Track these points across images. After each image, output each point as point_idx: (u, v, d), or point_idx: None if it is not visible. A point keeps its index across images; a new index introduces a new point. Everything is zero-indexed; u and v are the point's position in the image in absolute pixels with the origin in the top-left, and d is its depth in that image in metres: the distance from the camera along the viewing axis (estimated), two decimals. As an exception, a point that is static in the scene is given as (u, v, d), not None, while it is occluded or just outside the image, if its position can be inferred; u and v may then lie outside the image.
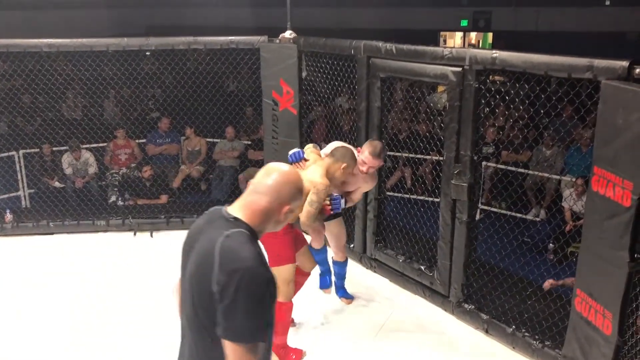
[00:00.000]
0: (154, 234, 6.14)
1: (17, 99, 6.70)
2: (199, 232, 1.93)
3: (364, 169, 3.94)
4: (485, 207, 7.00)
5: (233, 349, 1.74)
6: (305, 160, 3.91)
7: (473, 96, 4.02)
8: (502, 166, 7.11)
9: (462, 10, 16.00)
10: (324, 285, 4.49)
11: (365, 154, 3.92)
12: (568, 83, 3.56)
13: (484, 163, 6.81)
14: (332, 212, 4.03)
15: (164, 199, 6.99)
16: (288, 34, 5.75)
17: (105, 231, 6.20)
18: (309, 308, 4.50)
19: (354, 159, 3.86)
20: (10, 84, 6.59)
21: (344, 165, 3.78)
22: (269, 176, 1.93)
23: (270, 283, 1.78)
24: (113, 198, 7.06)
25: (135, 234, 6.14)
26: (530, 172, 7.13)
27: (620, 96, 2.97)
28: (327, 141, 7.25)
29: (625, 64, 3.08)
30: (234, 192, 7.12)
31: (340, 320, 4.47)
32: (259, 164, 6.95)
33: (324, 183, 3.68)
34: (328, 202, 3.90)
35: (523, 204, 6.60)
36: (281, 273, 3.69)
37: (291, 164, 3.83)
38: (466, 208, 4.22)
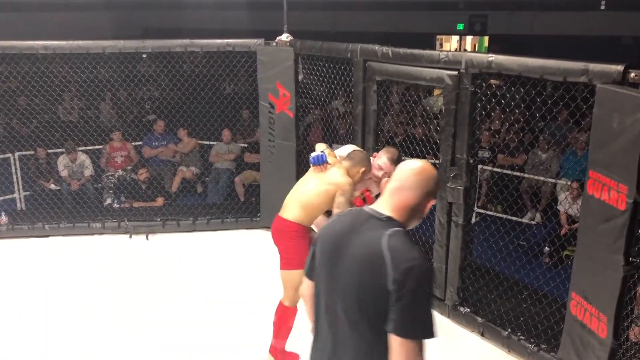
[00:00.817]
0: (150, 236, 6.13)
1: (12, 101, 6.69)
2: (349, 233, 1.95)
3: (380, 174, 3.83)
4: (481, 211, 7.01)
5: (402, 345, 1.79)
6: (327, 163, 3.81)
7: (469, 100, 4.03)
8: (498, 169, 7.12)
9: (458, 14, 16.03)
10: None
11: (383, 160, 3.82)
12: (563, 87, 3.58)
13: (479, 166, 6.83)
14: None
15: (159, 201, 6.98)
16: (285, 37, 5.76)
17: (101, 234, 6.18)
18: (300, 312, 4.49)
19: (370, 164, 3.84)
20: (5, 86, 6.58)
21: (363, 169, 3.76)
22: (413, 173, 1.98)
23: (432, 280, 1.88)
24: (109, 200, 7.06)
25: (131, 237, 6.13)
26: (526, 175, 7.15)
27: (615, 100, 2.98)
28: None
29: (620, 68, 3.10)
30: (230, 195, 7.12)
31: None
32: (255, 167, 6.95)
33: (349, 182, 3.64)
34: (359, 195, 3.84)
35: (519, 208, 6.62)
36: (291, 277, 3.66)
37: (313, 166, 3.78)
38: (462, 211, 4.23)
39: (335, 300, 1.95)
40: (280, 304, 3.80)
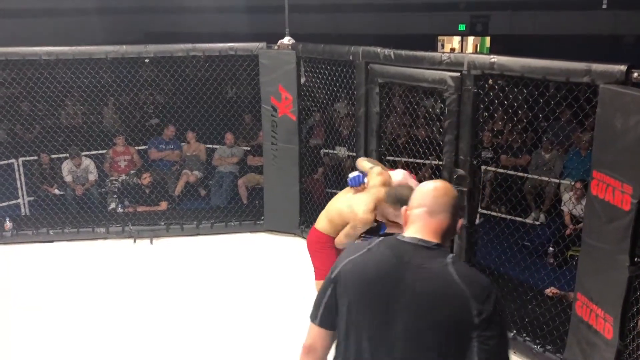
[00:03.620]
0: (154, 240, 6.14)
1: (16, 107, 6.71)
2: (397, 268, 1.76)
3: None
4: (485, 211, 7.00)
5: None
6: (364, 185, 3.72)
7: (472, 101, 4.03)
8: (502, 170, 7.11)
9: (460, 15, 16.03)
10: None
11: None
12: (566, 87, 3.57)
13: (483, 167, 6.82)
14: None
15: (163, 205, 6.99)
16: (286, 40, 5.77)
17: (105, 238, 6.19)
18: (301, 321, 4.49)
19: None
20: (9, 92, 6.60)
21: (400, 210, 3.71)
22: (440, 195, 1.86)
23: None
24: (112, 205, 7.06)
25: (135, 241, 6.14)
26: (530, 175, 7.13)
27: (618, 100, 2.98)
28: (326, 146, 7.29)
29: (623, 68, 3.09)
30: (234, 198, 7.13)
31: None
32: (259, 170, 6.96)
33: (366, 220, 3.56)
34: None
35: (522, 208, 6.60)
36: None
37: (351, 187, 3.75)
38: (466, 213, 4.22)
39: (392, 351, 1.74)
40: None
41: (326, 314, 1.88)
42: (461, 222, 1.99)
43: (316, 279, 3.80)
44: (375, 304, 1.76)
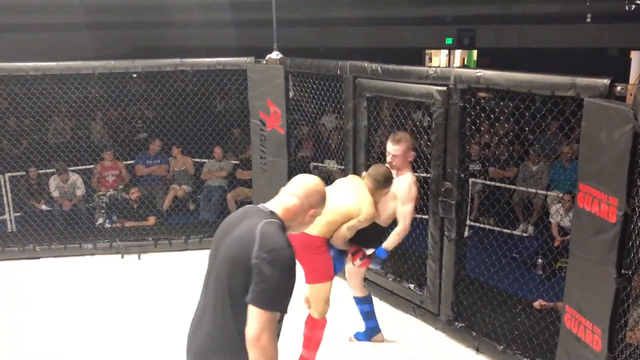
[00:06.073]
0: (142, 256, 6.09)
1: (2, 122, 6.66)
2: (237, 222, 2.24)
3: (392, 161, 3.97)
4: (474, 224, 7.02)
5: (258, 314, 2.04)
6: None
7: (458, 114, 4.06)
8: (490, 182, 7.15)
9: (447, 28, 16.17)
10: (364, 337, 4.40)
11: (395, 147, 3.94)
12: (552, 100, 3.61)
13: (471, 180, 6.86)
14: (370, 266, 4.07)
15: (151, 220, 6.95)
16: (275, 54, 5.79)
17: (93, 254, 6.14)
18: (296, 326, 4.47)
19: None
20: (-5, 107, 6.57)
21: (387, 190, 3.84)
22: (302, 184, 2.33)
23: (295, 267, 2.13)
24: (100, 220, 7.02)
25: (122, 257, 6.09)
26: (517, 187, 7.18)
27: (602, 114, 3.01)
28: (316, 159, 7.31)
29: (606, 82, 3.13)
30: (223, 212, 7.10)
31: (330, 341, 4.43)
32: (247, 184, 6.94)
33: (373, 213, 3.73)
34: (368, 257, 3.94)
35: (511, 220, 6.64)
36: (318, 291, 3.74)
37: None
38: (454, 226, 4.24)
39: (211, 272, 2.25)
40: (310, 317, 3.84)
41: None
42: (312, 211, 2.30)
43: (316, 282, 3.76)
44: (218, 240, 2.27)
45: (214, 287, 2.21)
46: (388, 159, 3.99)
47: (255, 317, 2.04)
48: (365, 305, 4.31)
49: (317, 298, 3.76)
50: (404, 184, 3.95)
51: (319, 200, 2.33)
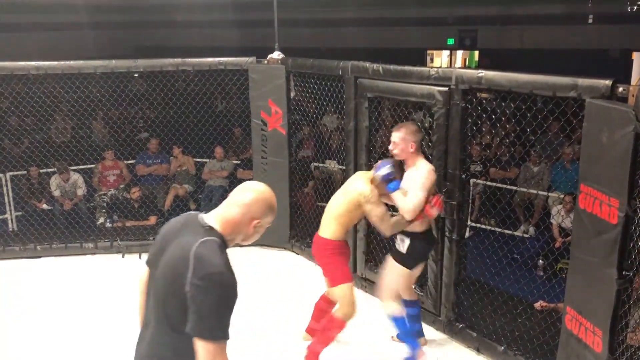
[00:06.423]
0: (143, 255, 6.09)
1: (4, 121, 6.66)
2: (175, 235, 2.08)
3: (394, 150, 3.90)
4: (475, 224, 7.02)
5: (206, 347, 1.91)
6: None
7: (460, 115, 4.06)
8: (491, 183, 7.15)
9: (448, 29, 16.16)
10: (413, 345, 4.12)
11: (398, 134, 3.85)
12: (553, 101, 3.61)
13: (472, 180, 6.85)
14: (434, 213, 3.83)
15: (152, 220, 6.95)
16: (276, 54, 5.79)
17: (94, 254, 6.14)
18: (292, 335, 4.48)
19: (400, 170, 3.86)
20: (-3, 106, 6.57)
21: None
22: (244, 192, 2.13)
23: (235, 288, 1.96)
24: (101, 220, 7.02)
25: (123, 256, 6.09)
26: (518, 188, 7.17)
27: (604, 115, 3.01)
28: (317, 160, 7.30)
29: (608, 83, 3.12)
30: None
31: (332, 343, 4.44)
32: (248, 184, 6.94)
33: (370, 189, 3.68)
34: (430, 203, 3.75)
35: (512, 221, 6.63)
36: (342, 291, 3.76)
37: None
38: (455, 226, 4.24)
39: (151, 283, 2.13)
40: (333, 314, 3.87)
41: (149, 256, 2.21)
42: (255, 222, 2.11)
43: (336, 283, 3.77)
44: (156, 255, 2.11)
45: (154, 304, 2.10)
46: (390, 147, 3.92)
47: (200, 350, 1.91)
48: (411, 308, 4.13)
49: (342, 299, 3.79)
50: (415, 174, 3.77)
51: (263, 211, 2.13)
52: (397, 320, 4.02)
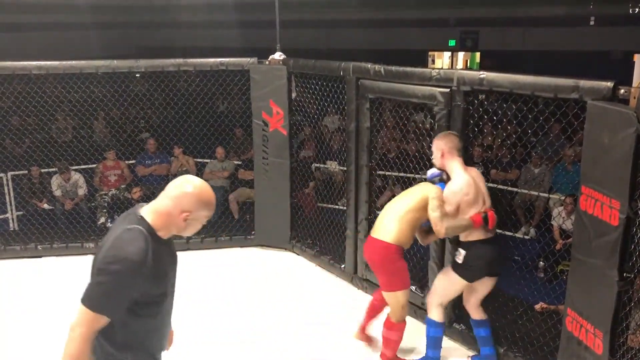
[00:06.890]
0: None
1: (5, 121, 6.67)
2: (119, 222, 2.25)
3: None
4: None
5: (81, 311, 2.12)
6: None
7: (461, 116, 4.05)
8: (492, 184, 7.14)
9: (450, 31, 16.19)
10: None
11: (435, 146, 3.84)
12: (555, 103, 3.60)
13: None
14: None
15: (153, 220, 6.94)
16: (277, 55, 5.79)
17: (95, 254, 6.12)
18: (292, 335, 4.48)
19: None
20: (-2, 106, 6.58)
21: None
22: (177, 186, 2.21)
23: (134, 276, 2.08)
24: (102, 220, 7.02)
25: (124, 256, 6.08)
26: (519, 190, 7.17)
27: (606, 116, 3.00)
28: (318, 160, 7.31)
29: (610, 84, 3.12)
30: (224, 213, 7.10)
31: (330, 341, 4.44)
32: (250, 184, 6.95)
33: (437, 189, 3.69)
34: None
35: (512, 223, 6.63)
36: (396, 298, 3.75)
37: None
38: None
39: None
40: (388, 319, 3.89)
41: None
42: (184, 215, 2.18)
43: (392, 289, 3.74)
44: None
45: None
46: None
47: (79, 312, 2.12)
48: (479, 329, 4.01)
49: (395, 305, 3.79)
50: (448, 186, 3.74)
51: (194, 204, 2.18)
52: (430, 325, 3.96)
